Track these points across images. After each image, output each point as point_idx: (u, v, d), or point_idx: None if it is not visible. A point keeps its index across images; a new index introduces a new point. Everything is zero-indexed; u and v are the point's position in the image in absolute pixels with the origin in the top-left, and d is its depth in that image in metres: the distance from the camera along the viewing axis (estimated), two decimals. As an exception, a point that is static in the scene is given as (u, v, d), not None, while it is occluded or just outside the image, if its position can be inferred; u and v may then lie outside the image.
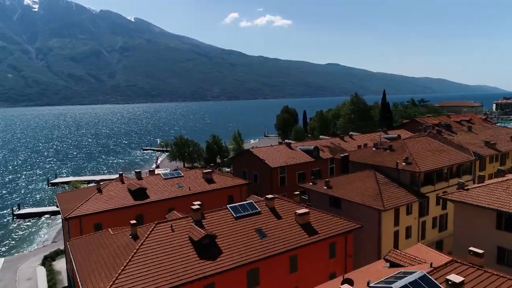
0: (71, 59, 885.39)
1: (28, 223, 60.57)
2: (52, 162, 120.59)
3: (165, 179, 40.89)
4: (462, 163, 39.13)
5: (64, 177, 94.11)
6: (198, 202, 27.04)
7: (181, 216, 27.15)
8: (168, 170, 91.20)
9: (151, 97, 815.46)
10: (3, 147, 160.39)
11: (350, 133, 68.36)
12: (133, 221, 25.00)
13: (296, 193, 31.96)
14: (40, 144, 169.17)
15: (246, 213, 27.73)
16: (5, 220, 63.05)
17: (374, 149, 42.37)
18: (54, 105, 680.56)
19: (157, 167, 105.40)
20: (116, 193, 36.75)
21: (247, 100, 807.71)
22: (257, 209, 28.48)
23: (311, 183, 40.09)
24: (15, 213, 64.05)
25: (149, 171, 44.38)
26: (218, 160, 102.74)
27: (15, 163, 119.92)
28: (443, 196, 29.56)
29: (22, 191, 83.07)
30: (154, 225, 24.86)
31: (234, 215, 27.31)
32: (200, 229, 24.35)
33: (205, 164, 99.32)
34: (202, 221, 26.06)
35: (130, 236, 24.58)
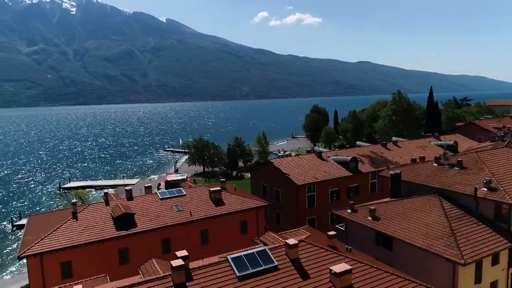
0: (106, 60, 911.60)
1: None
2: (71, 164, 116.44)
3: (162, 199, 32.50)
4: None
5: (77, 181, 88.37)
6: (183, 254, 18.08)
7: (159, 275, 18.42)
8: (186, 176, 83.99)
9: (182, 96, 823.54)
10: (31, 146, 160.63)
11: (394, 138, 57.27)
12: (77, 288, 16.46)
13: (331, 233, 22.32)
14: (65, 144, 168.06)
15: (256, 269, 18.46)
16: (2, 231, 57.10)
17: (435, 164, 31.80)
18: (89, 104, 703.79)
19: (176, 171, 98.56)
20: (95, 219, 28.70)
21: (276, 99, 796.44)
22: (273, 261, 19.16)
23: (349, 210, 30.29)
24: (14, 223, 58.28)
25: (146, 187, 36.21)
26: (241, 164, 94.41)
27: (31, 164, 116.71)
28: None
29: (31, 197, 78.06)
30: (111, 292, 16.29)
31: (237, 273, 18.14)
32: (179, 304, 15.46)
33: (226, 170, 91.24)
34: (187, 284, 17.18)
35: (74, 310, 16.14)
